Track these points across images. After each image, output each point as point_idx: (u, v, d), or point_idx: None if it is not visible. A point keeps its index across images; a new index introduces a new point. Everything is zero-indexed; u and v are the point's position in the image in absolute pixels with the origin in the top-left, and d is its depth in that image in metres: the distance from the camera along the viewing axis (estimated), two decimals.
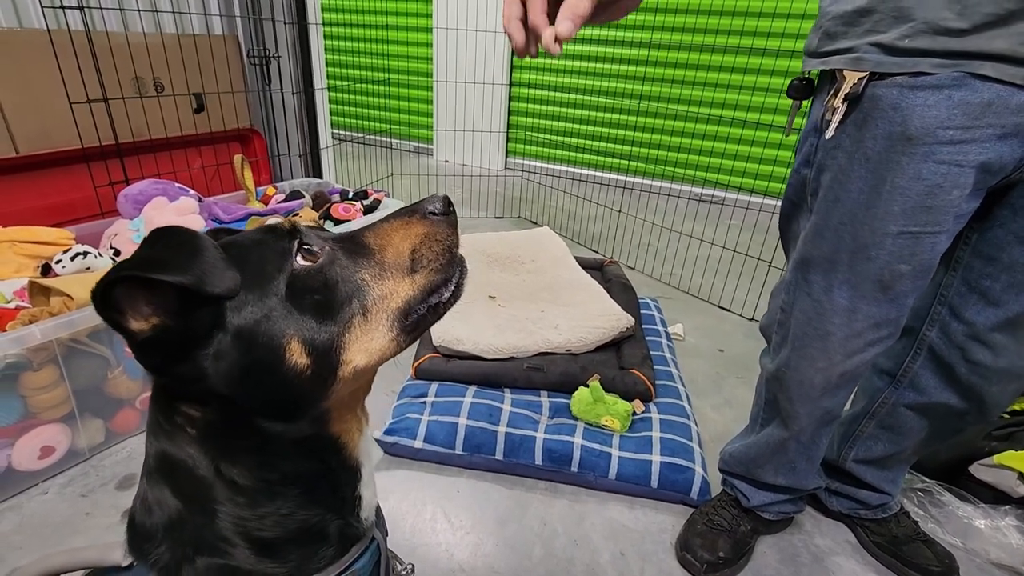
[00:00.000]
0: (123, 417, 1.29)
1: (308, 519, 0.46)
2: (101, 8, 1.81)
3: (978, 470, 1.19)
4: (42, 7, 1.66)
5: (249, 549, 0.44)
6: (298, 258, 0.44)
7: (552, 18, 0.51)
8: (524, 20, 0.53)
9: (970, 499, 1.18)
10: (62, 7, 1.59)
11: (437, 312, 0.50)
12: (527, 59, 3.70)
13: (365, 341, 0.46)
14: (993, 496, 1.17)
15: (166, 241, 0.39)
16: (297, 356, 0.42)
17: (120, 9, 1.90)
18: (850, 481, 1.09)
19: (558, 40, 0.50)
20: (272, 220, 0.50)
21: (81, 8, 1.61)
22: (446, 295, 0.50)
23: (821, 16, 0.74)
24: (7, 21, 1.69)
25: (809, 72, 0.79)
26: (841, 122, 0.72)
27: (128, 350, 0.40)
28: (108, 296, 0.36)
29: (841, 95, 0.69)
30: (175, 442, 0.43)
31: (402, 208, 0.52)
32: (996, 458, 1.16)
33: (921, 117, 0.65)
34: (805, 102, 0.83)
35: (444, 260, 0.49)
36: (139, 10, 1.96)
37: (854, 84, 0.68)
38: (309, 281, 0.44)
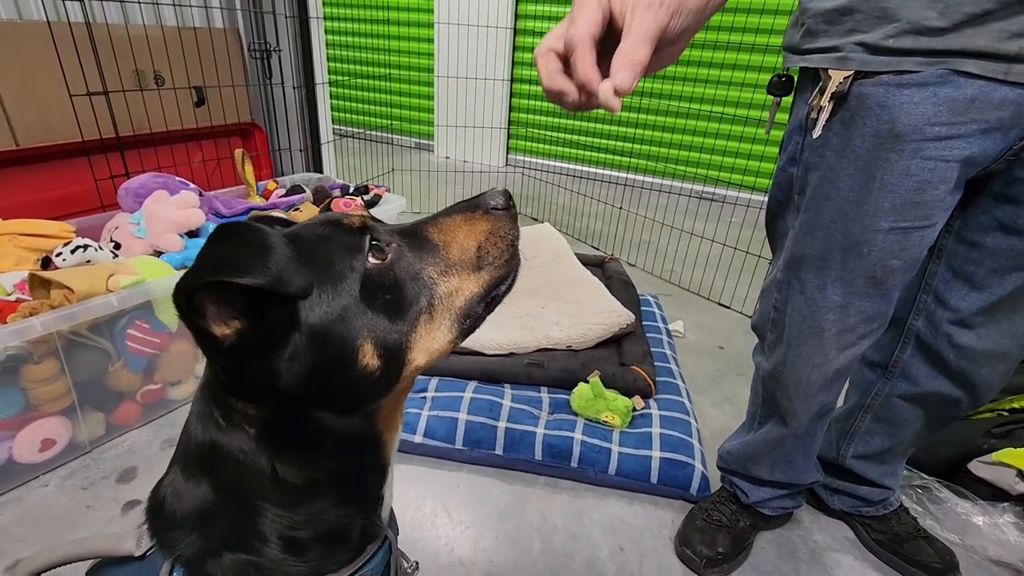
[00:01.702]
0: (124, 410, 1.29)
1: (338, 520, 0.46)
2: (101, 0, 1.79)
3: (977, 467, 1.19)
4: None
5: (279, 547, 0.44)
6: (369, 255, 0.43)
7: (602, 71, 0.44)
8: (567, 72, 0.46)
9: (969, 496, 1.19)
10: None
11: (492, 306, 0.50)
12: (528, 45, 3.70)
13: (428, 340, 0.45)
14: (992, 493, 1.18)
15: (236, 238, 0.37)
16: (369, 358, 0.42)
17: (121, 1, 1.89)
18: (851, 478, 1.10)
19: (618, 93, 0.43)
20: (336, 212, 0.49)
21: (81, 0, 1.60)
22: (503, 288, 0.50)
23: (801, 12, 0.73)
24: (7, 13, 1.68)
25: (789, 68, 0.79)
26: (828, 121, 0.72)
27: (201, 352, 0.39)
28: (192, 303, 0.35)
29: (828, 94, 0.69)
30: (230, 437, 0.42)
31: (463, 202, 0.51)
32: (995, 455, 1.16)
33: (908, 114, 0.65)
34: (786, 98, 0.84)
35: (508, 256, 0.49)
36: (139, 2, 1.95)
37: (840, 83, 0.68)
38: (380, 280, 0.43)
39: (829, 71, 0.69)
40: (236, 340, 0.37)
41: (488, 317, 0.51)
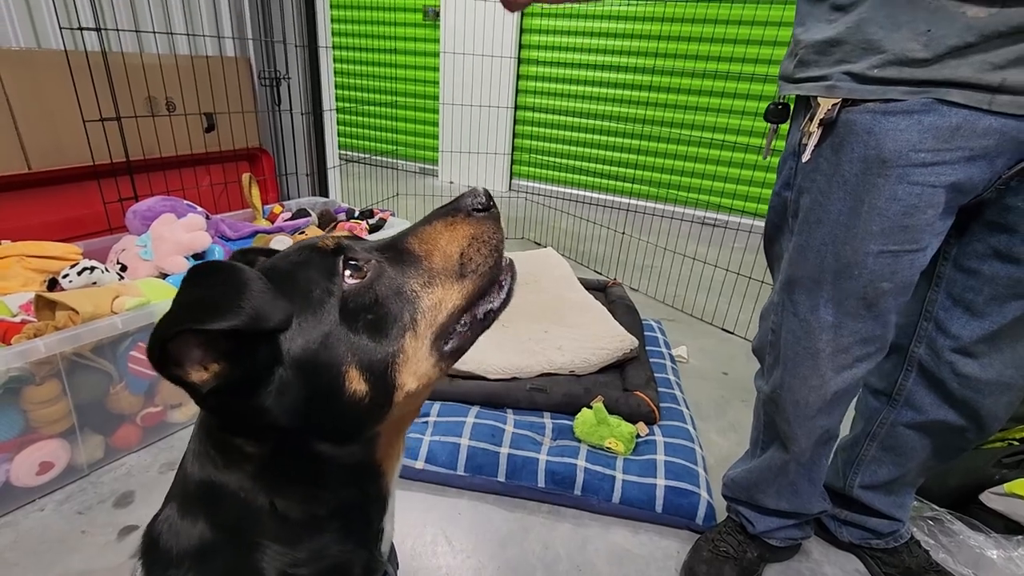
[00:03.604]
0: (124, 433, 1.28)
1: (339, 556, 0.45)
2: (118, 30, 1.85)
3: (989, 498, 1.16)
4: (60, 28, 1.71)
5: None
6: (346, 275, 0.42)
7: None
8: None
9: (982, 528, 1.16)
10: (80, 29, 1.63)
11: (486, 322, 0.47)
12: (530, 73, 3.77)
13: (415, 362, 0.43)
14: (1005, 526, 1.15)
15: (209, 280, 0.36)
16: (356, 383, 0.40)
17: (136, 31, 1.95)
18: (858, 509, 1.07)
19: None
20: (311, 236, 0.48)
21: (99, 30, 1.65)
22: (496, 302, 0.47)
23: (795, 43, 0.76)
24: (26, 41, 1.73)
25: (785, 96, 0.82)
26: (817, 146, 0.74)
27: (190, 397, 0.38)
28: (166, 353, 0.34)
29: (816, 120, 0.72)
30: (228, 474, 0.41)
31: (442, 207, 0.49)
32: (1007, 486, 1.14)
33: (894, 141, 0.67)
34: (783, 125, 0.86)
35: (494, 261, 0.47)
36: (154, 32, 2.00)
37: (828, 110, 0.70)
38: (360, 299, 0.42)
39: (818, 98, 0.72)
40: (217, 384, 0.36)
41: (487, 340, 0.49)
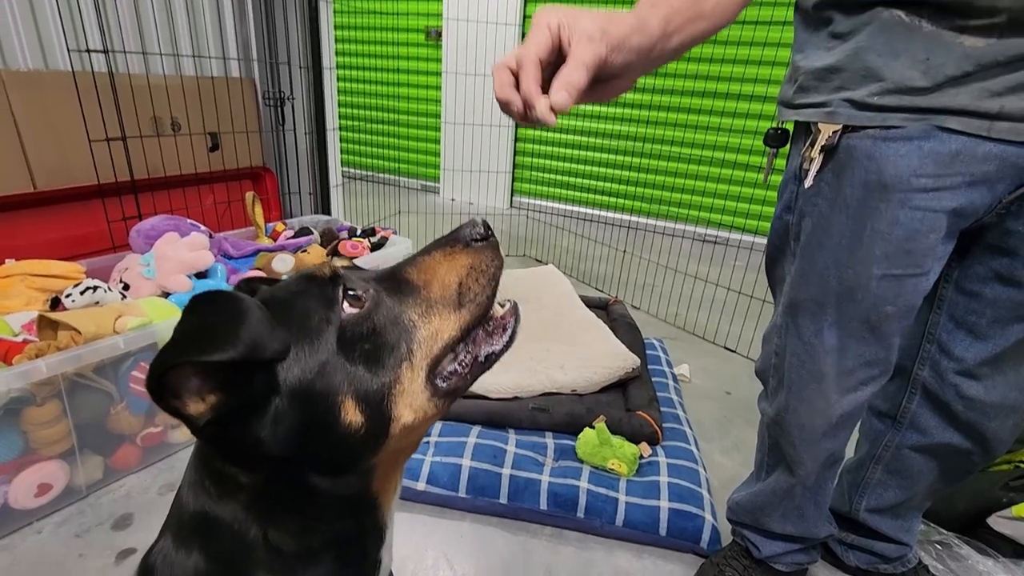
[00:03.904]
0: (123, 454, 1.27)
1: None
2: (125, 52, 1.88)
3: (997, 522, 1.15)
4: (68, 50, 1.74)
5: None
6: (344, 305, 0.42)
7: (545, 90, 0.50)
8: (518, 88, 0.52)
9: (990, 552, 1.14)
10: (88, 51, 1.65)
11: (487, 364, 0.47)
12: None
13: (411, 394, 0.43)
14: (1014, 550, 1.14)
15: (208, 310, 0.37)
16: (352, 414, 0.40)
17: (143, 53, 1.98)
18: (865, 533, 1.06)
19: (554, 110, 0.49)
20: (312, 263, 0.48)
21: (106, 52, 1.67)
22: (499, 345, 0.47)
23: (793, 69, 0.77)
24: (34, 63, 1.76)
25: (784, 122, 0.82)
26: (819, 171, 0.74)
27: (185, 427, 0.38)
28: (164, 385, 0.34)
29: (818, 146, 0.72)
30: (221, 505, 0.41)
31: (442, 238, 0.50)
32: (1015, 510, 1.13)
33: (895, 166, 0.68)
34: (782, 149, 0.87)
35: (491, 291, 0.47)
36: (160, 54, 2.03)
37: (829, 136, 0.71)
38: (358, 329, 0.42)
39: (819, 124, 0.72)
40: (213, 415, 0.36)
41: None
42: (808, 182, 0.75)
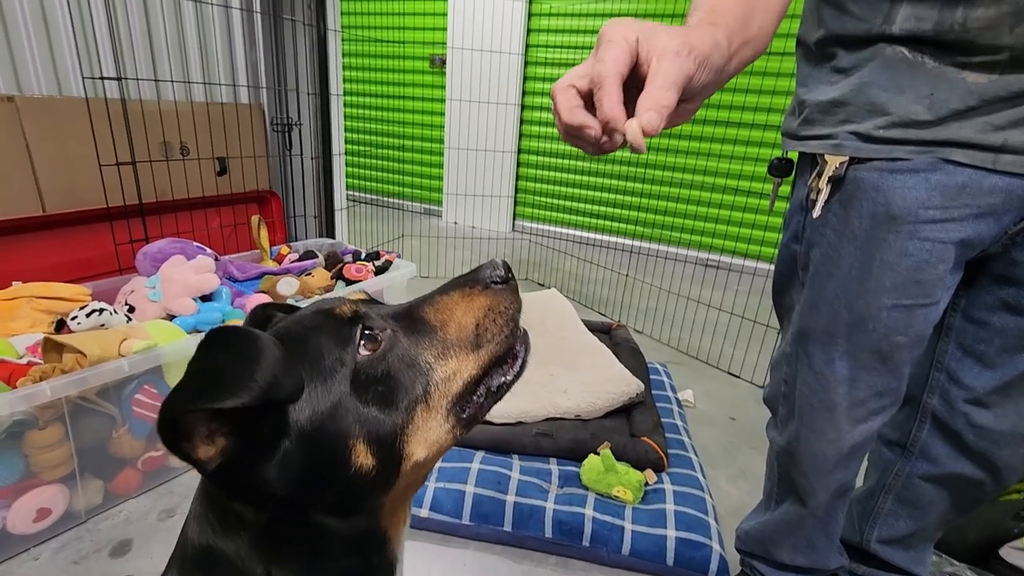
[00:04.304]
0: (124, 478, 1.26)
1: None
2: (138, 79, 1.92)
3: (1009, 553, 1.13)
4: (83, 78, 1.77)
5: None
6: (361, 345, 0.41)
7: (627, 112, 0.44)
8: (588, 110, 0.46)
9: None
10: (102, 78, 1.69)
11: (499, 395, 0.47)
12: (533, 118, 3.88)
13: (426, 432, 0.43)
14: None
15: (222, 349, 0.36)
16: (363, 457, 0.39)
17: (155, 80, 2.02)
18: (876, 564, 1.04)
19: (645, 134, 0.42)
20: (327, 297, 0.47)
21: (119, 79, 1.71)
22: (510, 375, 0.47)
23: (797, 102, 0.78)
24: (48, 89, 1.80)
25: (788, 152, 0.83)
26: (827, 201, 0.75)
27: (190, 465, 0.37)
28: (178, 428, 0.34)
29: (825, 177, 0.73)
30: (226, 540, 0.40)
31: (461, 277, 0.49)
32: None
33: (903, 198, 0.68)
34: (787, 178, 0.88)
35: (509, 331, 0.46)
36: (172, 81, 2.08)
37: (836, 167, 0.72)
38: (373, 370, 0.41)
39: (825, 156, 0.73)
40: (221, 459, 0.35)
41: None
42: (816, 212, 0.76)
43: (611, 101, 0.43)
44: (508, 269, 0.48)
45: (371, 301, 0.49)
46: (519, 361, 0.48)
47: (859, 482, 1.02)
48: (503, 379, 0.47)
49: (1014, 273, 0.72)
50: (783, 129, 0.82)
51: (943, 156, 0.65)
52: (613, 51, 0.44)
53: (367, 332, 0.42)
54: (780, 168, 0.87)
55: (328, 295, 1.75)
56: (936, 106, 0.64)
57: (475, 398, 0.46)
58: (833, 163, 0.72)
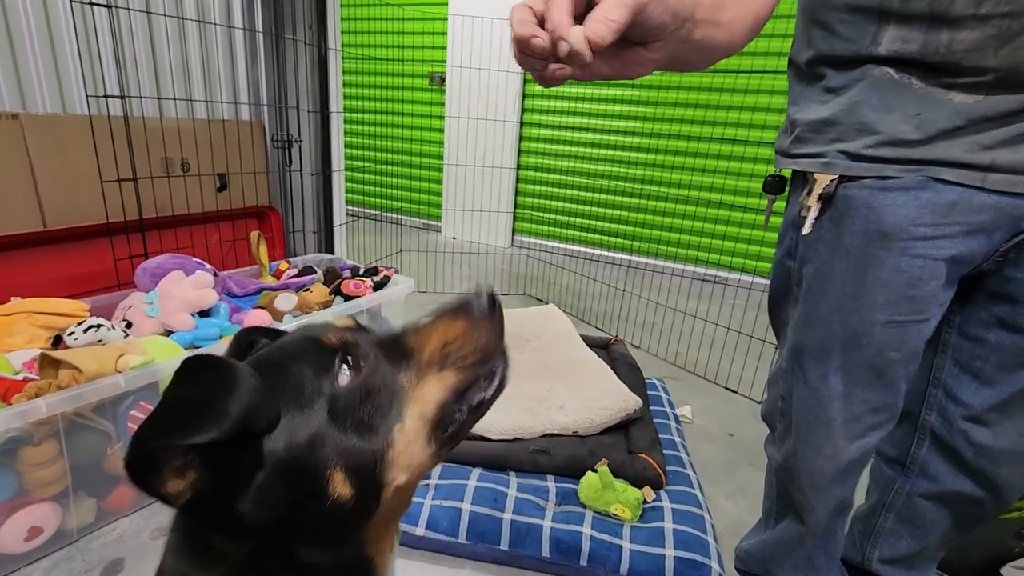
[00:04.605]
0: (117, 496, 1.25)
1: None
2: (141, 97, 1.94)
3: (1011, 573, 1.12)
4: (87, 96, 1.80)
5: None
6: (341, 373, 0.41)
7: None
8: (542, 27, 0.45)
9: None
10: (105, 96, 1.71)
11: (478, 412, 0.47)
12: (532, 135, 3.91)
13: (406, 456, 0.42)
14: None
15: (198, 380, 0.35)
16: (340, 487, 0.39)
17: (158, 98, 2.05)
18: None
19: (591, 44, 0.41)
20: (313, 323, 0.47)
21: (122, 97, 1.73)
22: (489, 392, 0.47)
23: (789, 122, 0.79)
24: (53, 107, 1.82)
25: (781, 169, 0.84)
26: (818, 219, 0.76)
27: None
28: (146, 463, 0.33)
29: (815, 195, 0.74)
30: (202, 573, 0.39)
31: (446, 305, 0.49)
32: None
33: (894, 215, 0.69)
34: (781, 195, 0.89)
35: (487, 353, 0.46)
36: (175, 99, 2.10)
37: (826, 185, 0.72)
38: (353, 397, 0.41)
39: (815, 174, 0.74)
40: (192, 494, 0.35)
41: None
42: (806, 229, 0.77)
43: (559, 11, 0.43)
44: (493, 299, 0.48)
45: (358, 327, 0.49)
46: (497, 377, 0.48)
47: (861, 500, 1.02)
48: (482, 396, 0.47)
49: (1008, 290, 0.73)
50: (776, 147, 0.84)
51: (932, 175, 0.66)
52: None
53: (348, 359, 0.42)
54: (774, 185, 0.88)
55: (317, 315, 1.75)
56: (924, 126, 0.65)
57: (456, 416, 0.46)
58: (823, 181, 0.73)
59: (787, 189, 0.87)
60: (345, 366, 0.42)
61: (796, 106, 0.79)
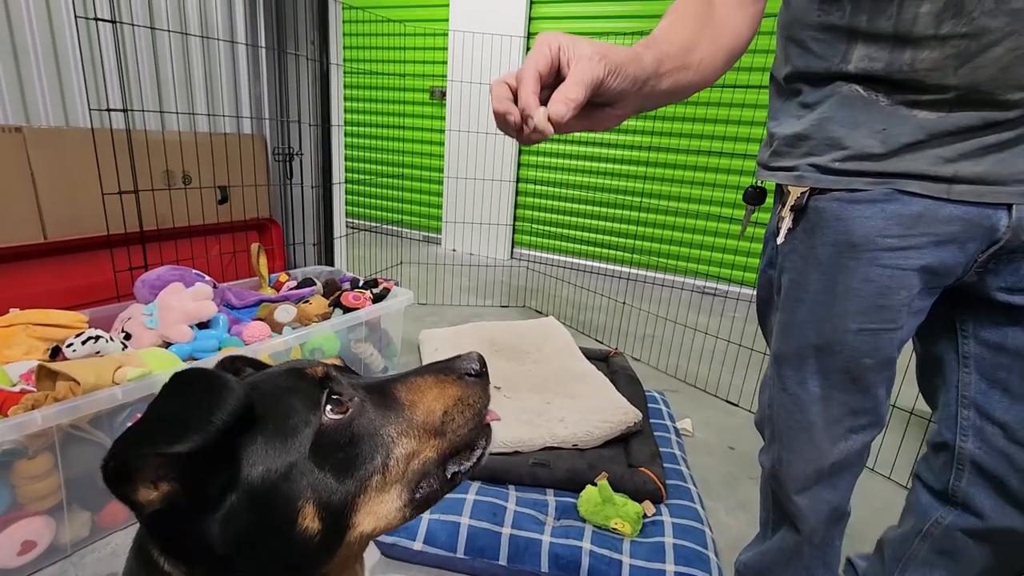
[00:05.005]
0: (112, 509, 1.23)
1: None
2: (144, 111, 1.96)
3: None
4: (90, 109, 1.81)
5: None
6: (327, 410, 0.42)
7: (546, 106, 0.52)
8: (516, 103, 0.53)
9: None
10: (108, 110, 1.72)
11: (453, 482, 0.47)
12: (532, 149, 3.93)
13: (377, 504, 0.42)
14: None
15: (183, 393, 0.36)
16: (309, 520, 0.39)
17: (161, 112, 2.06)
18: None
19: (552, 121, 0.50)
20: (301, 359, 0.48)
21: (125, 111, 1.75)
22: (466, 466, 0.47)
23: (769, 136, 0.82)
24: (56, 120, 1.83)
25: (762, 181, 0.86)
26: (791, 230, 0.78)
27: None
28: (124, 468, 0.33)
29: (787, 207, 0.76)
30: None
31: (437, 363, 0.50)
32: None
33: (861, 227, 0.70)
34: (763, 205, 0.91)
35: (474, 424, 0.47)
36: (177, 112, 2.12)
37: (797, 197, 0.75)
38: (335, 436, 0.41)
39: (789, 187, 0.76)
40: (162, 505, 0.35)
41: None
42: (780, 239, 0.79)
43: (526, 91, 0.51)
44: (483, 363, 0.49)
45: (346, 369, 0.49)
46: (478, 453, 0.48)
47: (892, 521, 0.98)
48: (459, 468, 0.47)
49: (1002, 299, 0.72)
50: (758, 160, 0.86)
51: (898, 187, 0.67)
52: (535, 55, 0.53)
53: (335, 397, 0.43)
54: (754, 196, 0.91)
55: (316, 327, 1.75)
56: (889, 140, 0.66)
57: (431, 481, 0.46)
58: (795, 193, 0.75)
59: (771, 200, 0.88)
60: (331, 403, 0.42)
61: (775, 120, 0.81)
